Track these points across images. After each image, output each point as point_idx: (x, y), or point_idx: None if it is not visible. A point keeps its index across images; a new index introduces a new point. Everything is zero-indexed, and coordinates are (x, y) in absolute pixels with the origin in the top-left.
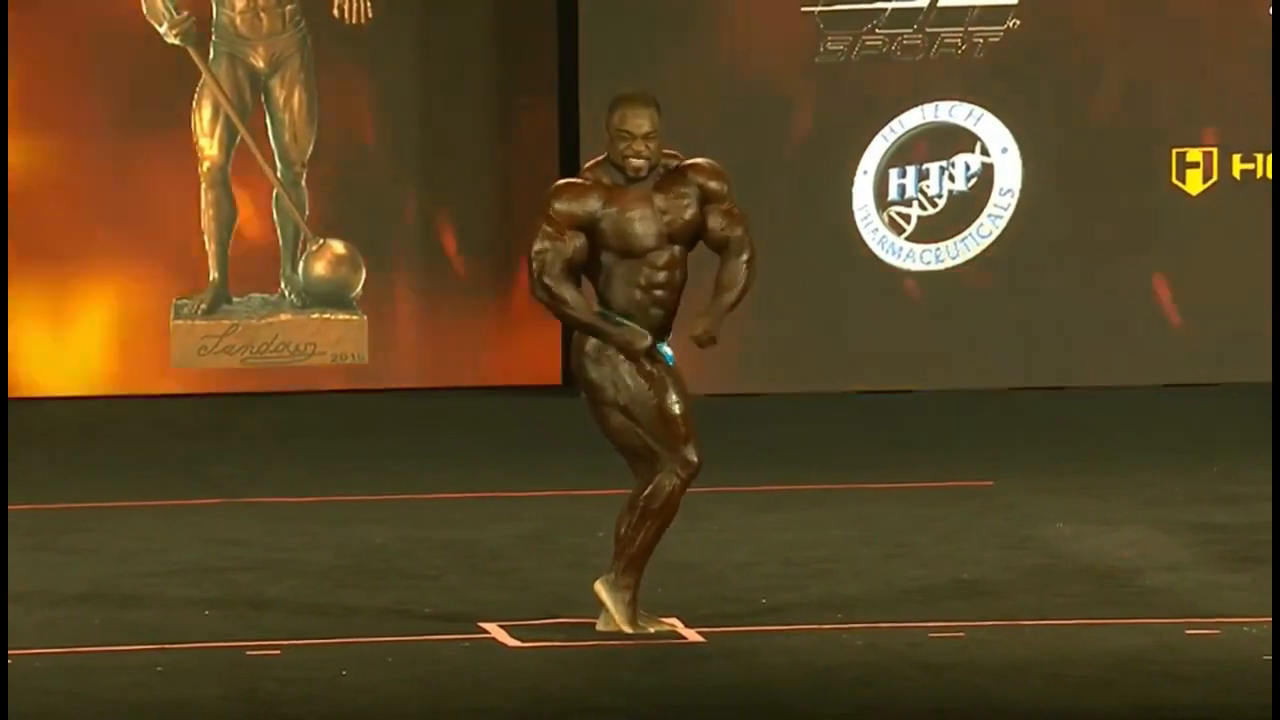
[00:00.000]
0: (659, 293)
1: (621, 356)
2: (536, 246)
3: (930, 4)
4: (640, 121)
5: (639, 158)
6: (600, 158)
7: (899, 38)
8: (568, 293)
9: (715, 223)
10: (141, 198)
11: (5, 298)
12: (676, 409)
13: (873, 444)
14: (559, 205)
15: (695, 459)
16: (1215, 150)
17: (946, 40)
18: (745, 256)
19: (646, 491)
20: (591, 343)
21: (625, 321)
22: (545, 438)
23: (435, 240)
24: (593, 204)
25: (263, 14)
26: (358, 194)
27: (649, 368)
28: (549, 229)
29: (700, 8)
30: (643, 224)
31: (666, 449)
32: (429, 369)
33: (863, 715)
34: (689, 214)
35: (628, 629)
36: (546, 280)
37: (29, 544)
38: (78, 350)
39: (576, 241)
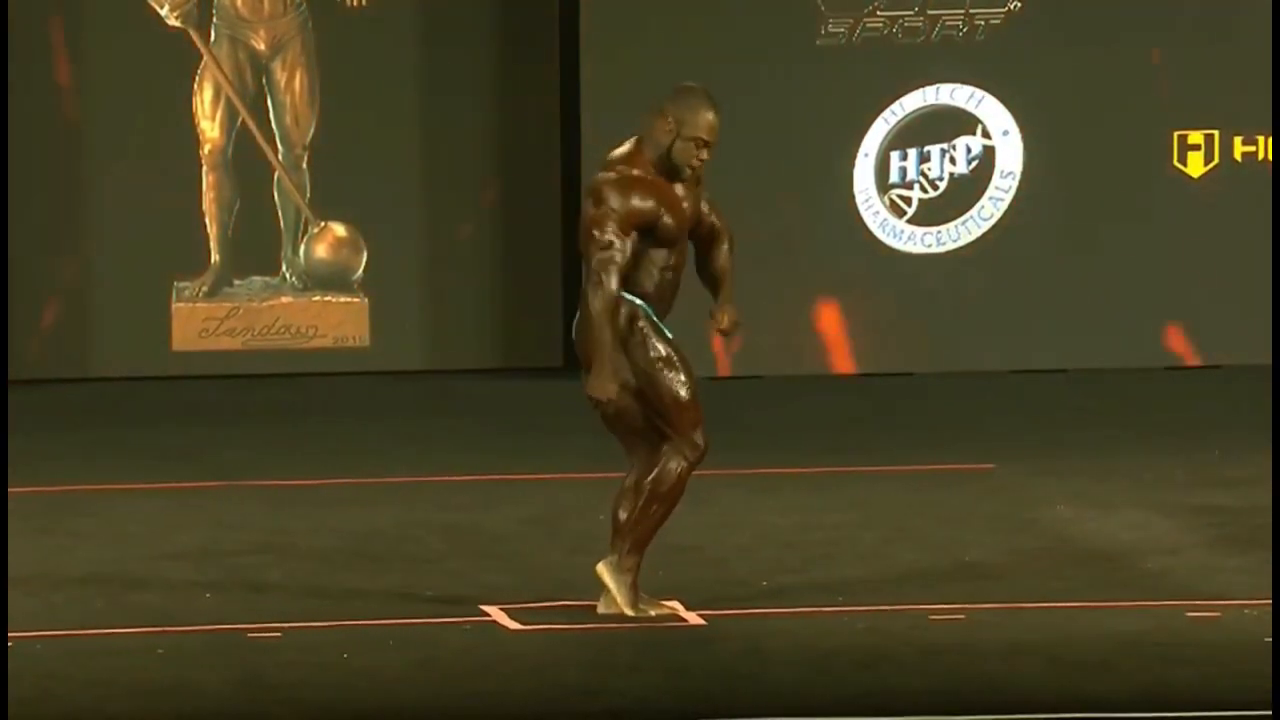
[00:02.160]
0: (673, 275)
1: (635, 339)
2: (605, 239)
3: None
4: (717, 132)
5: (701, 165)
6: (633, 147)
7: (900, 20)
8: (613, 299)
9: (704, 210)
10: (142, 180)
11: (5, 287)
12: (686, 392)
13: (874, 427)
14: (635, 202)
15: (702, 443)
16: (1216, 133)
17: (948, 22)
18: (727, 245)
19: (653, 475)
20: None
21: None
22: (547, 421)
23: (436, 223)
24: (655, 201)
25: None
26: (359, 177)
27: (661, 350)
28: (617, 225)
29: None
30: (679, 216)
31: (675, 432)
32: (430, 352)
33: (863, 698)
34: (698, 203)
35: (629, 611)
36: (607, 278)
37: (30, 527)
38: (78, 332)
39: (633, 240)
